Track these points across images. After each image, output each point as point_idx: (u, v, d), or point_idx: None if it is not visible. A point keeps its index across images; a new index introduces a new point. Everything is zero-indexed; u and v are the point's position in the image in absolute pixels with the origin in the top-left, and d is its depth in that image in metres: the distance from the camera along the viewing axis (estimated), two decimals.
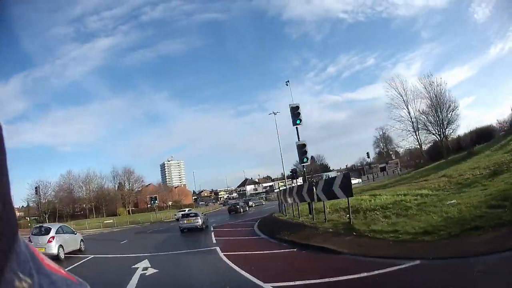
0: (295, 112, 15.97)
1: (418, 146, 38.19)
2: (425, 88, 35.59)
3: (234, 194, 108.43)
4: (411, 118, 36.44)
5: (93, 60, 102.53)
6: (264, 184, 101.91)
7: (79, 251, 14.67)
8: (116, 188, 68.14)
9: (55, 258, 12.31)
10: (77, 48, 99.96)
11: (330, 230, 9.80)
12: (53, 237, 12.99)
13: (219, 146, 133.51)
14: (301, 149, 15.66)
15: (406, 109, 36.69)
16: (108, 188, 67.67)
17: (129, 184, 69.07)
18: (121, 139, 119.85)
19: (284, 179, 78.76)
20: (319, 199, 12.09)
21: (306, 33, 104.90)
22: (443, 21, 75.04)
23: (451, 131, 35.30)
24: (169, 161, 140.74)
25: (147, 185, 75.69)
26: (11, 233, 0.40)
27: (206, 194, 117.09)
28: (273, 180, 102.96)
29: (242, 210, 38.95)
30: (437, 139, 36.39)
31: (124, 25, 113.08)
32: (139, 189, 70.96)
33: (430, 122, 35.60)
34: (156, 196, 55.98)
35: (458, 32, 71.48)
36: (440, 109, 34.70)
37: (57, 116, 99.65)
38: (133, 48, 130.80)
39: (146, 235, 22.53)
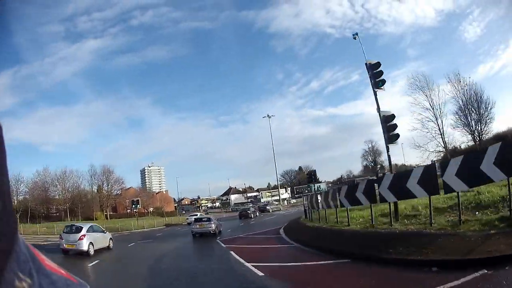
0: (375, 72, 11.23)
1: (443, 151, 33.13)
2: (455, 87, 32.17)
3: (217, 203, 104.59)
4: (436, 120, 32.20)
5: (80, 61, 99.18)
6: (249, 194, 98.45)
7: (108, 248, 15.79)
8: (95, 190, 62.06)
9: (85, 254, 13.64)
10: (66, 48, 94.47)
11: (492, 232, 6.69)
12: (84, 235, 14.01)
13: (200, 155, 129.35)
14: (388, 122, 10.64)
15: (432, 110, 32.42)
16: (85, 189, 61.58)
17: (108, 185, 63.02)
18: (101, 142, 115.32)
19: (278, 188, 76.55)
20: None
21: (292, 47, 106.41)
22: (431, 39, 75.90)
23: (487, 132, 31.51)
24: (149, 166, 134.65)
25: (127, 188, 70.05)
26: (11, 233, 0.39)
27: (186, 202, 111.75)
28: (257, 191, 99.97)
29: (252, 216, 37.39)
30: (465, 141, 32.58)
31: (113, 28, 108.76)
32: (118, 192, 65.28)
33: (466, 120, 31.79)
34: (138, 200, 51.35)
35: (446, 51, 72.67)
36: (475, 108, 31.31)
37: (39, 115, 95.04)
38: (120, 52, 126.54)
39: (130, 251, 16.90)
